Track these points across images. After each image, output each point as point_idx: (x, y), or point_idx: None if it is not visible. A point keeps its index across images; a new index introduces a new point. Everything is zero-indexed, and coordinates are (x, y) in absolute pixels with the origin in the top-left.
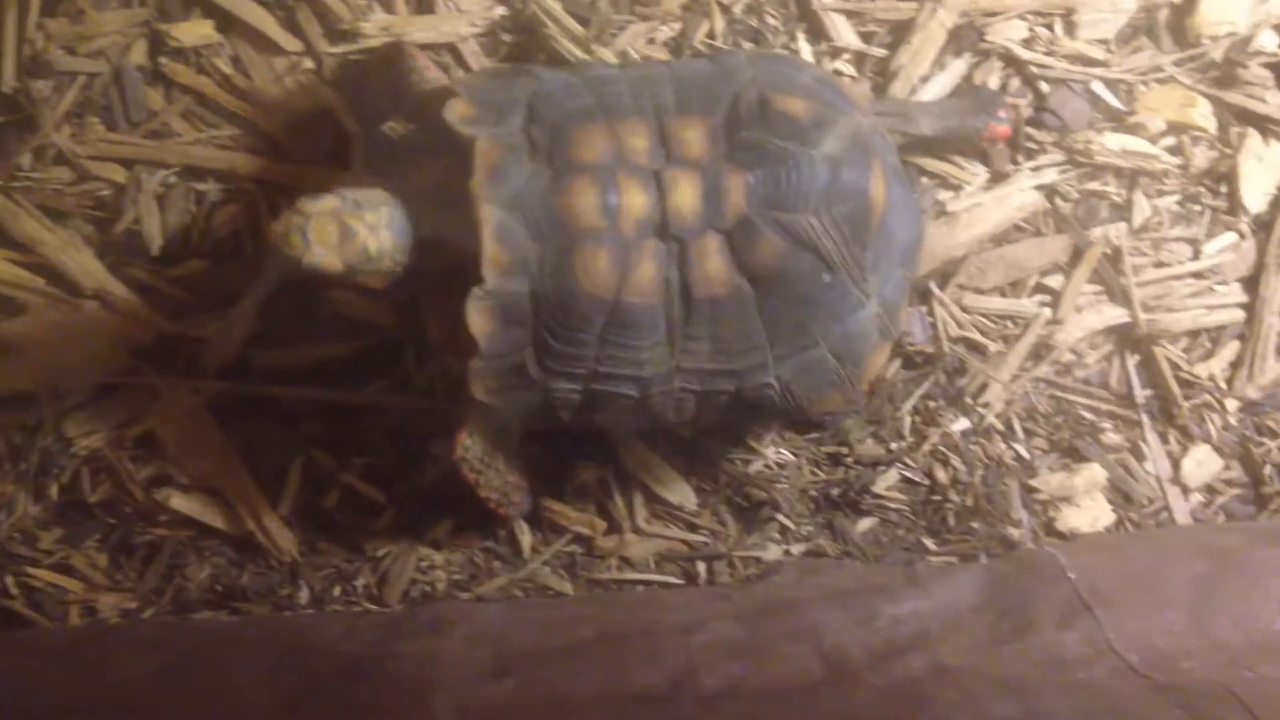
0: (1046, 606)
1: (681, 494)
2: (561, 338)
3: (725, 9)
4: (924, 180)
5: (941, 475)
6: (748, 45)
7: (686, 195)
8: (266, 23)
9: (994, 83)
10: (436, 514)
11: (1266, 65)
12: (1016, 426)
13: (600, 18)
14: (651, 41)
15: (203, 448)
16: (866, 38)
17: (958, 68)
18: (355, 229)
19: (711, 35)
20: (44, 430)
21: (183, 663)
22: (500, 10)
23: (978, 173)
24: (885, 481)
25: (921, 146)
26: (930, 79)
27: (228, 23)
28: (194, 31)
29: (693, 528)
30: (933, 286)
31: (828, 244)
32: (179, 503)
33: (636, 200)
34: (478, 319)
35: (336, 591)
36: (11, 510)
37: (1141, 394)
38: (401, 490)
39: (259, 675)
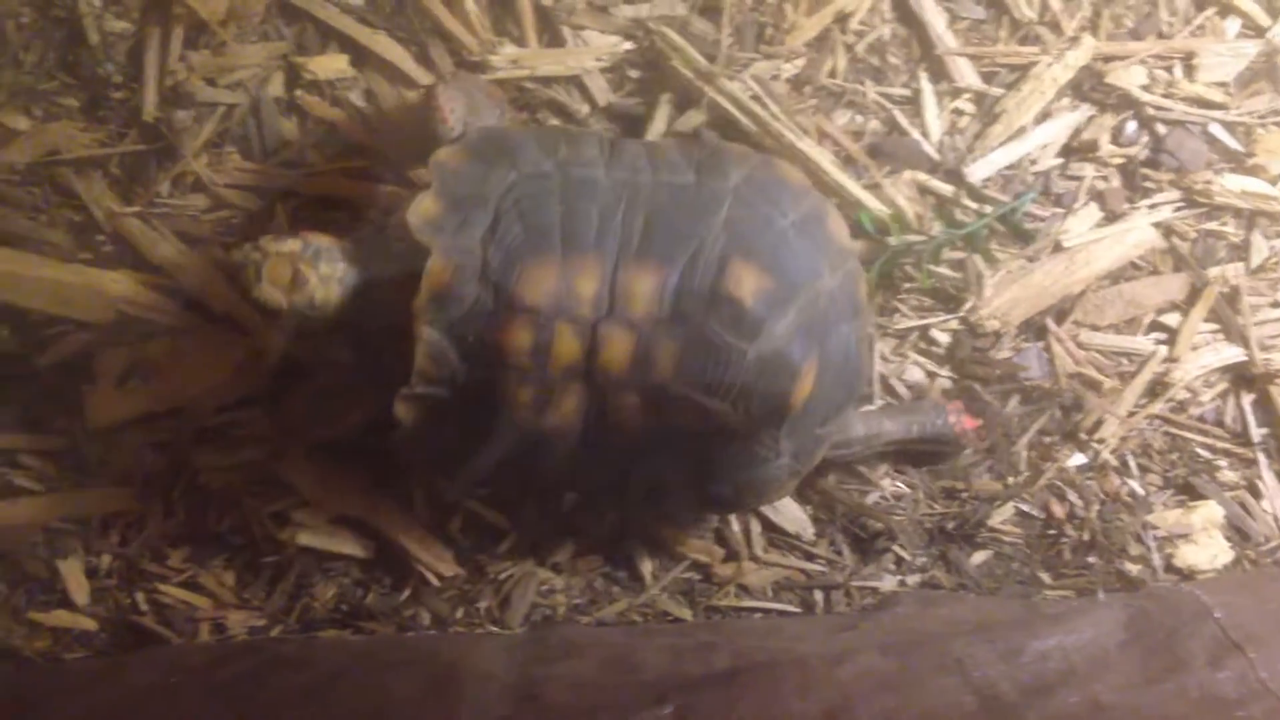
0: (1195, 645)
1: (798, 523)
2: (477, 440)
3: (849, 48)
4: (1042, 212)
5: (1057, 510)
6: (867, 84)
7: (618, 354)
8: (400, 56)
9: (1108, 125)
10: (557, 538)
11: None
12: (1132, 463)
13: (725, 54)
14: (775, 78)
15: (331, 476)
16: (988, 78)
17: (1070, 116)
18: (308, 277)
19: (834, 73)
20: (174, 453)
21: (330, 682)
22: (627, 45)
23: (1090, 210)
24: (1001, 515)
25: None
26: (1037, 127)
27: (362, 57)
28: (329, 65)
29: (810, 557)
30: (1049, 323)
31: (740, 427)
32: (306, 538)
33: (568, 349)
34: (403, 411)
35: (459, 613)
36: (142, 528)
37: (1258, 432)
38: (523, 515)
39: (413, 697)
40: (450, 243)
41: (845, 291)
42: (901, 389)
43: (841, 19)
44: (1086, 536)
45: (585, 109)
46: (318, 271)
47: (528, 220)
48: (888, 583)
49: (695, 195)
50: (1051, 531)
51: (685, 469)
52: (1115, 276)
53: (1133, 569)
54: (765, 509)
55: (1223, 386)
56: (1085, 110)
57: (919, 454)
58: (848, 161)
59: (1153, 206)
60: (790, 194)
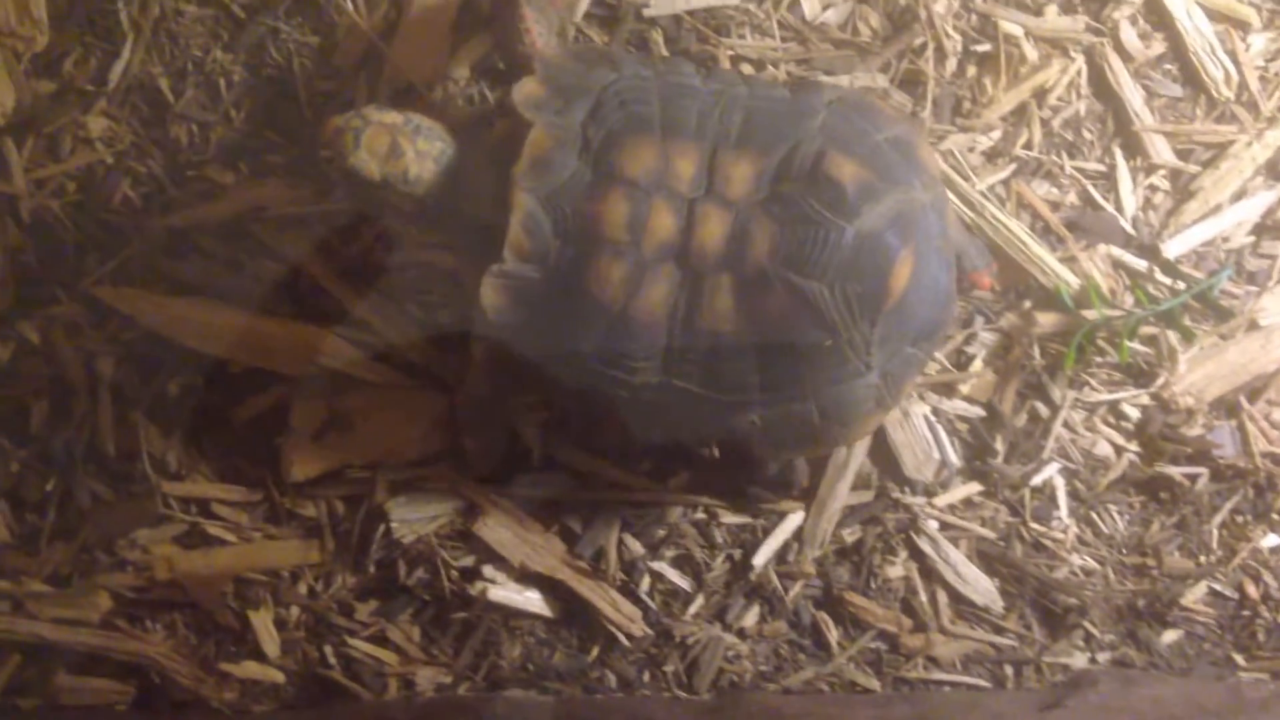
0: None
1: (987, 595)
2: (564, 329)
3: (1045, 122)
4: (1236, 289)
5: (1252, 590)
6: (1063, 157)
7: (713, 233)
8: None
9: None
10: (744, 603)
11: None
12: None
13: (925, 125)
14: (971, 150)
15: (523, 532)
16: (1184, 155)
17: (1266, 195)
18: (404, 149)
19: (1029, 145)
20: (366, 507)
21: None
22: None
23: None
24: (1193, 594)
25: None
26: (1232, 205)
27: None
28: None
29: (999, 630)
30: (1243, 401)
31: (834, 315)
32: (496, 594)
33: (664, 225)
34: (490, 293)
35: (646, 676)
36: (330, 582)
37: None
38: (711, 579)
39: None
40: (552, 119)
41: (937, 212)
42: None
43: (1040, 93)
44: None
45: None
46: (415, 145)
47: (629, 108)
48: (1078, 659)
49: (791, 105)
50: (1245, 612)
51: (769, 383)
52: None
53: None
54: (953, 579)
55: None
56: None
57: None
58: (1043, 234)
59: None
60: (883, 115)
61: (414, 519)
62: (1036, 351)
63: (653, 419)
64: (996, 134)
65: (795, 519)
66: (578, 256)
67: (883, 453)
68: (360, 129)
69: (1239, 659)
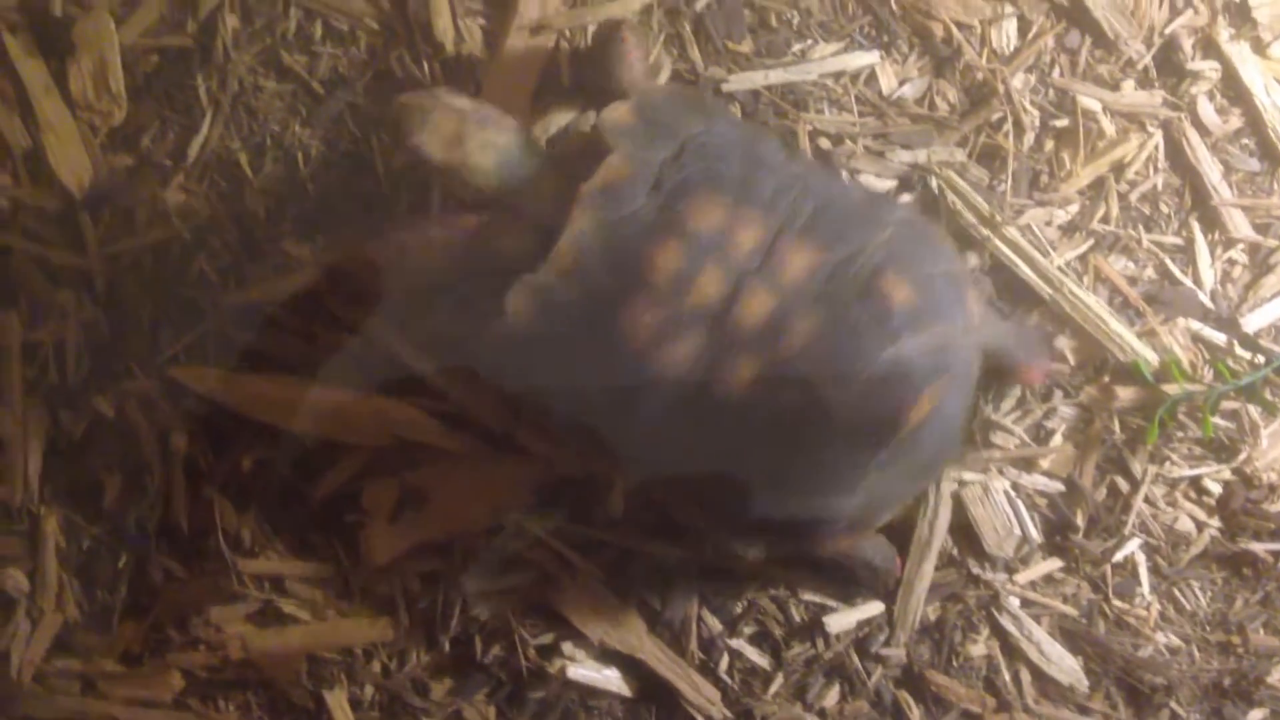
0: None
1: (1072, 674)
2: (578, 357)
3: (1122, 196)
4: None
5: None
6: (1140, 231)
7: (755, 311)
8: None
9: None
10: (825, 682)
11: None
12: None
13: (999, 200)
14: (1049, 224)
15: (603, 608)
16: (1262, 229)
17: None
18: (469, 137)
19: (1107, 219)
20: (443, 582)
21: None
22: (905, 200)
23: None
24: (1279, 673)
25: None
26: None
27: None
28: None
29: (1084, 710)
30: None
31: (844, 429)
32: (575, 672)
33: (711, 289)
34: (518, 299)
35: None
36: (405, 660)
37: None
38: (790, 657)
39: None
40: (634, 150)
41: (970, 357)
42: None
43: (1118, 168)
44: None
45: None
46: (481, 135)
47: (709, 163)
48: None
49: (862, 211)
50: None
51: (757, 466)
52: None
53: None
54: (1036, 657)
55: None
56: None
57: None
58: (1121, 308)
59: None
60: (944, 251)
61: (491, 592)
62: (1116, 426)
63: (636, 455)
64: (1074, 208)
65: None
66: (616, 291)
67: (963, 528)
68: (429, 110)
69: None
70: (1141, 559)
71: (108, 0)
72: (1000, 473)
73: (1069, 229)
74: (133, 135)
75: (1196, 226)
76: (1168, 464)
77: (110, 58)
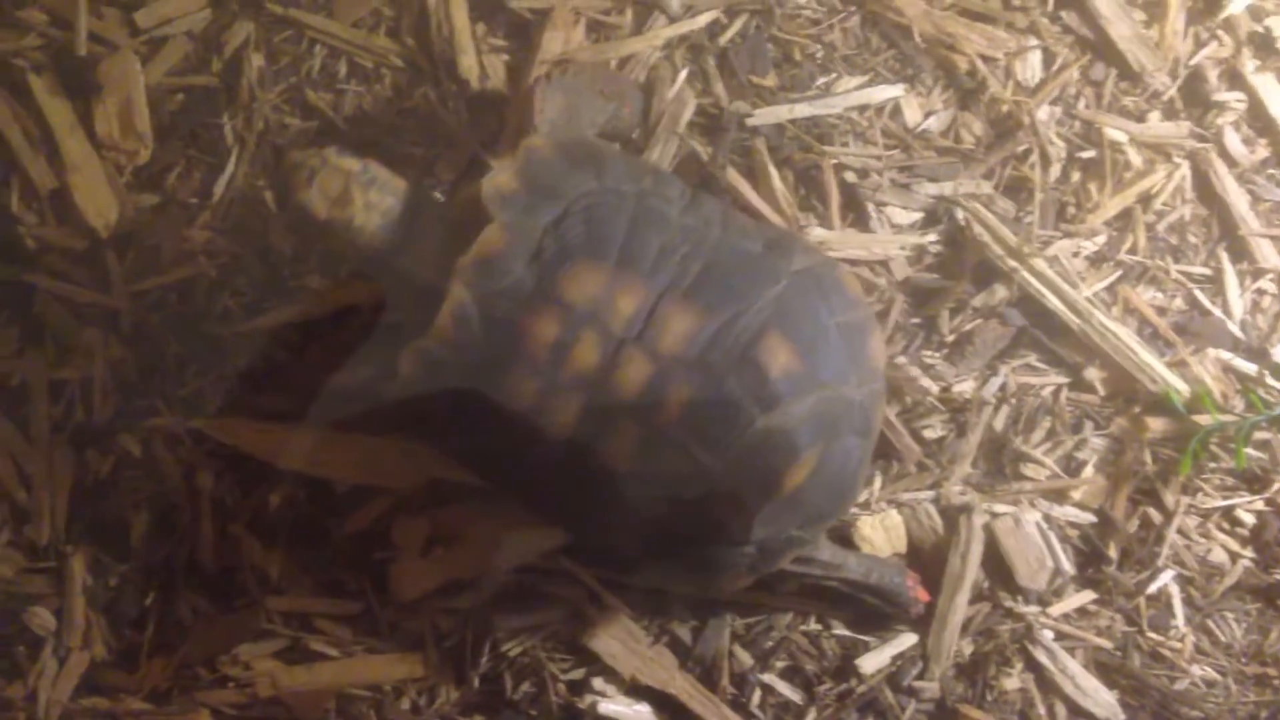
0: None
1: (1108, 708)
2: (468, 416)
3: (1149, 227)
4: None
5: None
6: (1168, 261)
7: (632, 380)
8: None
9: None
10: (858, 717)
11: None
12: None
13: (1026, 232)
14: (1076, 255)
15: (632, 645)
16: None
17: None
18: (354, 198)
19: (1134, 250)
20: (472, 619)
21: None
22: (932, 237)
23: None
24: None
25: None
26: None
27: None
28: None
29: None
30: None
31: (723, 493)
32: (606, 708)
33: (587, 359)
34: (407, 362)
35: None
36: (434, 697)
37: None
38: (822, 692)
39: None
40: (513, 219)
41: (864, 409)
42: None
43: (1145, 199)
44: None
45: (883, 282)
46: (366, 196)
47: (593, 227)
48: None
49: (756, 263)
50: None
51: (649, 523)
52: None
53: None
54: (1071, 691)
55: None
56: None
57: (858, 605)
58: (1151, 339)
59: None
60: (845, 298)
61: (520, 628)
62: (1148, 457)
63: (529, 496)
64: (1101, 239)
65: (910, 633)
66: (498, 360)
67: (995, 562)
68: (316, 169)
69: None
70: (1175, 591)
71: (132, 40)
72: (1032, 505)
73: (1096, 260)
74: (158, 174)
75: (1225, 256)
76: (1200, 495)
77: (136, 97)
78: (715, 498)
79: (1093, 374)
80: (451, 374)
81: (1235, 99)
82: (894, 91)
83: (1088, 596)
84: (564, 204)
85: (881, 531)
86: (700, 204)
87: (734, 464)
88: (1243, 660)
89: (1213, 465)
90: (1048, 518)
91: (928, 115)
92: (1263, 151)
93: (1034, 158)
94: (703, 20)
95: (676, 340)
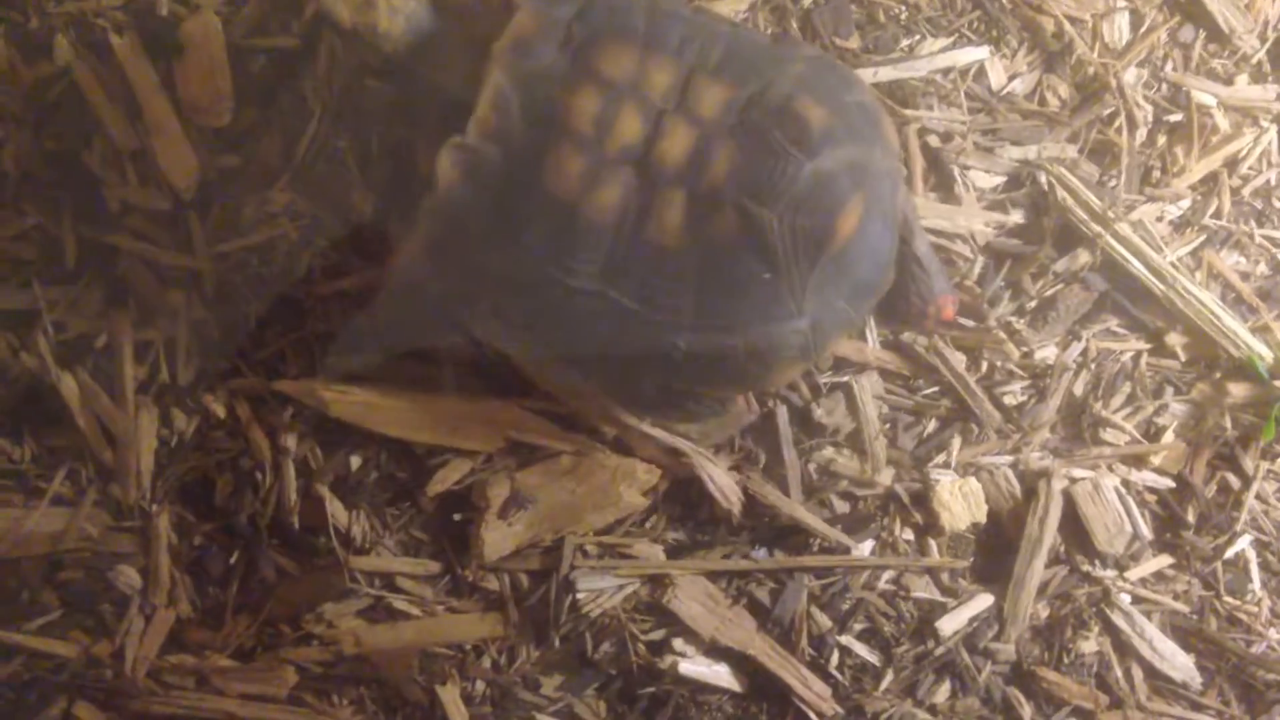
0: None
1: (1185, 670)
2: (512, 216)
3: (1234, 191)
4: None
5: None
6: (1252, 226)
7: (677, 145)
8: None
9: None
10: (935, 680)
11: None
12: None
13: (1110, 196)
14: (1160, 220)
15: (711, 607)
16: None
17: None
18: (378, 2)
19: (1219, 214)
20: (553, 579)
21: None
22: (1016, 216)
23: None
24: None
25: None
26: None
27: None
28: None
29: (1197, 707)
30: None
31: (778, 246)
32: (685, 668)
33: (630, 128)
34: (446, 165)
35: None
36: (515, 656)
37: None
38: (900, 654)
39: None
40: (539, 6)
41: (891, 182)
42: None
43: (1231, 163)
44: None
45: (966, 249)
46: (390, 1)
47: (615, 17)
48: None
49: (771, 51)
50: None
51: (701, 309)
52: None
53: None
54: (1148, 654)
55: None
56: None
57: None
58: (1234, 304)
59: None
60: (855, 82)
61: (601, 590)
62: (1228, 422)
63: (582, 329)
64: (1185, 203)
65: (986, 595)
66: (540, 144)
67: (1073, 526)
68: None
69: None
70: (1252, 555)
71: (214, 0)
72: (1110, 469)
73: (1180, 224)
74: (240, 135)
75: None
76: (1279, 461)
77: (217, 58)
78: (769, 258)
79: (1174, 339)
80: (490, 171)
81: None
82: (979, 54)
83: (1165, 561)
84: (583, 1)
85: (960, 498)
86: (704, 10)
87: (788, 212)
88: None
89: None
90: (1126, 483)
91: (1012, 78)
92: None
93: (1120, 121)
94: None
95: (715, 107)
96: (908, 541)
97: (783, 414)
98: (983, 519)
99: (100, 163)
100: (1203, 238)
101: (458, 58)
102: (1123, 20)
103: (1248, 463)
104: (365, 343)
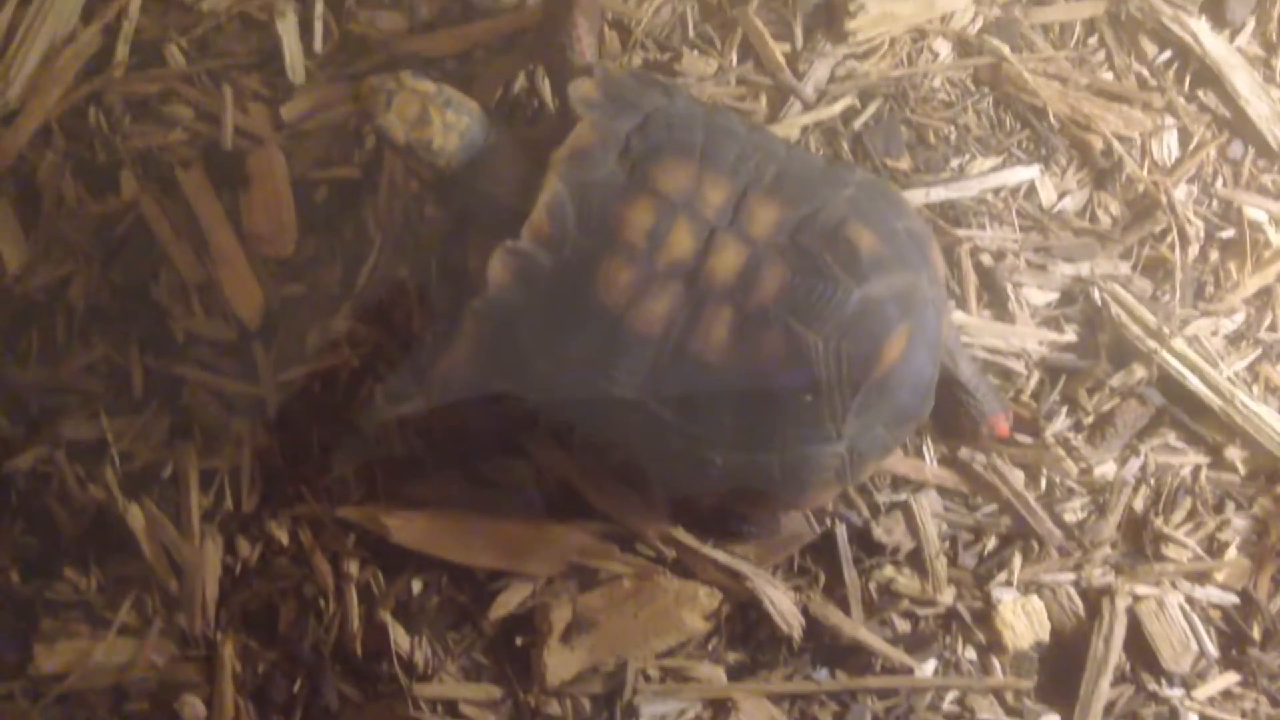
0: None
1: None
2: (558, 322)
3: None
4: None
5: None
6: None
7: (728, 263)
8: None
9: None
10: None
11: None
12: None
13: (1166, 313)
14: (1215, 334)
15: None
16: None
17: None
18: (432, 119)
19: (1274, 327)
20: (616, 705)
21: None
22: (1070, 333)
23: None
24: None
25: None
26: None
27: None
28: None
29: None
30: None
31: (823, 370)
32: None
33: (683, 243)
34: (498, 267)
35: None
36: None
37: None
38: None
39: None
40: (600, 118)
41: (936, 311)
42: None
43: None
44: None
45: (1021, 366)
46: (444, 117)
47: (674, 132)
48: None
49: (823, 173)
50: None
51: (741, 427)
52: None
53: None
54: None
55: None
56: None
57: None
58: None
59: None
60: (905, 209)
61: (664, 715)
62: None
63: (620, 436)
64: (1239, 318)
65: (1052, 715)
66: (592, 253)
67: (1138, 644)
68: (394, 92)
69: None
70: None
71: (277, 133)
72: (1174, 586)
73: (1235, 339)
74: (302, 264)
75: None
76: None
77: (281, 190)
78: (813, 380)
79: (1234, 453)
80: (541, 276)
81: None
82: (1029, 172)
83: (1232, 679)
84: (643, 114)
85: (1023, 616)
86: (760, 129)
87: (834, 337)
88: None
89: None
90: (1190, 599)
91: (1063, 195)
92: None
93: (1171, 237)
94: (838, 107)
95: (767, 227)
96: (971, 661)
97: (842, 533)
98: (1046, 638)
99: (167, 295)
100: (1258, 351)
101: (512, 168)
102: (1171, 138)
103: None
104: (409, 393)
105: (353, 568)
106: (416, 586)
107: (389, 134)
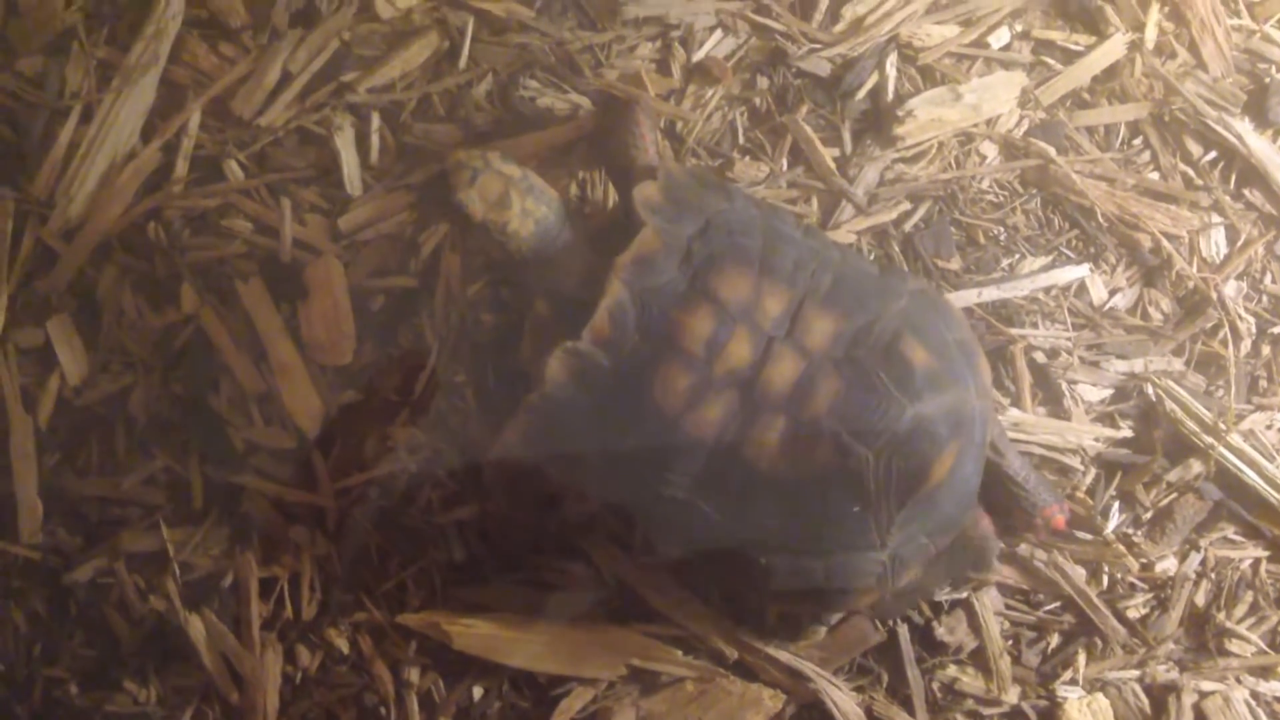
0: None
1: None
2: (614, 422)
3: None
4: None
5: None
6: None
7: (784, 373)
8: None
9: None
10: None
11: None
12: None
13: (1221, 408)
14: (1269, 428)
15: None
16: None
17: None
18: (512, 203)
19: None
20: None
21: None
22: (1125, 429)
23: None
24: None
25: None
26: None
27: None
28: None
29: None
30: None
31: (871, 484)
32: None
33: (740, 353)
34: (556, 366)
35: None
36: None
37: None
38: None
39: None
40: (664, 224)
41: (983, 420)
42: None
43: None
44: None
45: (1077, 462)
46: (523, 202)
47: (734, 238)
48: None
49: (877, 282)
50: None
51: (788, 531)
52: None
53: None
54: None
55: None
56: None
57: (997, 495)
58: None
59: None
60: (955, 318)
61: None
62: None
63: (667, 532)
64: None
65: None
66: (651, 357)
67: None
68: (479, 171)
69: None
70: None
71: (334, 244)
72: (1239, 681)
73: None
74: (360, 372)
75: None
76: None
77: (340, 300)
78: (861, 492)
79: None
80: (598, 377)
81: None
82: (1079, 271)
83: None
84: (705, 218)
85: (1089, 715)
86: (815, 232)
87: (885, 453)
88: None
89: None
90: (1255, 694)
91: (1113, 293)
92: None
93: (1224, 333)
94: (892, 214)
95: (823, 338)
96: None
97: (904, 633)
98: None
99: (226, 405)
100: None
101: (580, 262)
102: (1218, 235)
103: None
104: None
105: (414, 675)
106: (478, 693)
107: (466, 210)
